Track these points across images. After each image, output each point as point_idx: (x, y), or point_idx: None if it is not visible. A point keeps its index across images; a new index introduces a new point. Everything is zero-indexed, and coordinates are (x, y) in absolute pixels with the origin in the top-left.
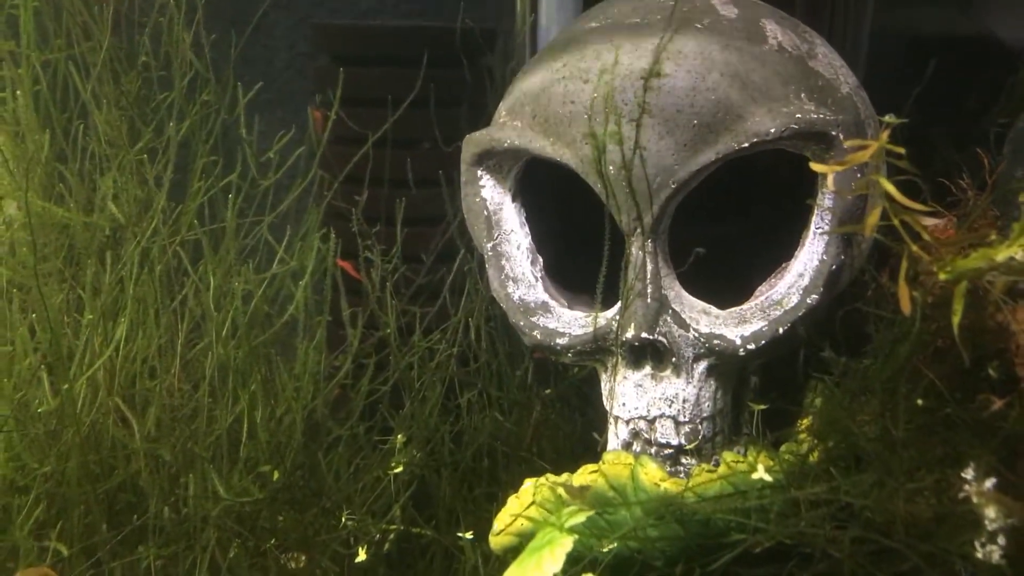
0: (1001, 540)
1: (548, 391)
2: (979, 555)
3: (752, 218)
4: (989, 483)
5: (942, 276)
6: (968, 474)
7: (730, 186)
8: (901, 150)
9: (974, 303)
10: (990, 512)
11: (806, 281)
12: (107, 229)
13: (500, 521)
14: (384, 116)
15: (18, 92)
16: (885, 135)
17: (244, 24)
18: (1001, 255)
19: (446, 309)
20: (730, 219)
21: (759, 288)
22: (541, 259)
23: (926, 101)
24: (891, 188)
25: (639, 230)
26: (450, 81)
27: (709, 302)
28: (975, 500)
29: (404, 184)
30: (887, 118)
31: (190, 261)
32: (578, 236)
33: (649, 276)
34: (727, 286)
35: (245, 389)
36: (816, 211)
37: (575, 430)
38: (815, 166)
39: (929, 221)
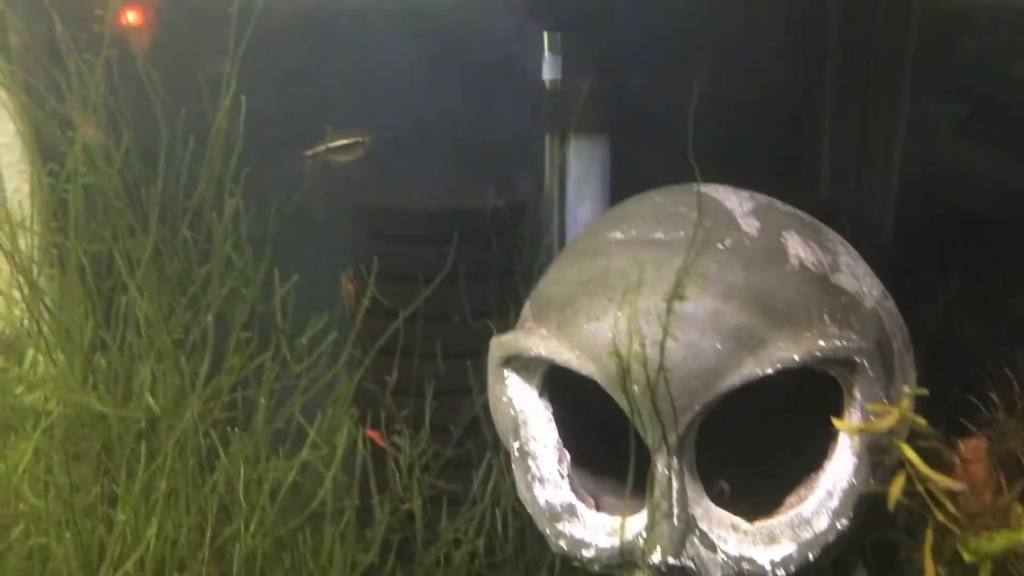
0: None
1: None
2: None
3: (779, 407)
4: None
5: (967, 558)
6: None
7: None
8: (923, 422)
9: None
10: None
11: (835, 503)
12: (143, 421)
13: None
14: (416, 291)
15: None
16: (906, 402)
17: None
18: None
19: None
20: (757, 407)
21: (788, 499)
22: (568, 455)
23: (956, 279)
24: (913, 457)
25: (664, 448)
26: (480, 257)
27: (736, 496)
28: None
29: (434, 356)
30: (906, 389)
31: (222, 440)
32: (605, 422)
33: (675, 495)
34: (756, 477)
35: None
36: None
37: None
38: (837, 423)
39: (956, 486)
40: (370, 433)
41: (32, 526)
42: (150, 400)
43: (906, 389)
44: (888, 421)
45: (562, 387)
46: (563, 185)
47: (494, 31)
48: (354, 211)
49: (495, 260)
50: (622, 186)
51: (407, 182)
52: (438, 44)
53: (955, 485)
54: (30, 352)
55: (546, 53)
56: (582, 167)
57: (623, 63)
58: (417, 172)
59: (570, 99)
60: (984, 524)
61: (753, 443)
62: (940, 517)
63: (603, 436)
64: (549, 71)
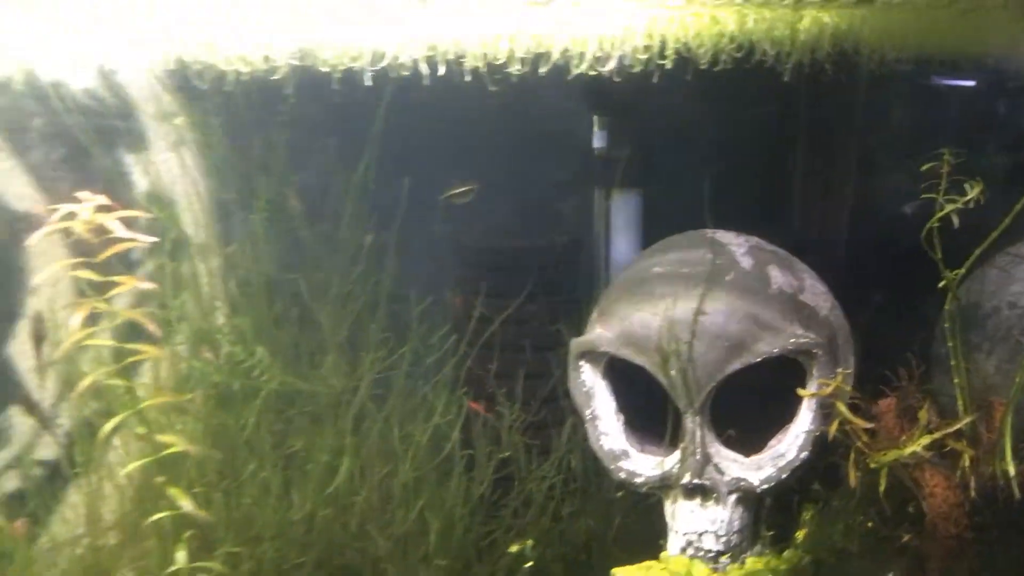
0: None
1: (620, 493)
2: None
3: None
4: None
5: (871, 465)
6: None
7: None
8: (849, 389)
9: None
10: None
11: (800, 441)
12: (323, 399)
13: None
14: (507, 304)
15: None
16: (841, 378)
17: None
18: (907, 451)
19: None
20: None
21: (770, 442)
22: (622, 417)
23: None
24: (844, 409)
25: (691, 410)
26: (551, 279)
27: (736, 441)
28: None
29: (521, 349)
30: (842, 370)
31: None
32: (645, 391)
33: (698, 440)
34: (748, 429)
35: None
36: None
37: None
38: (801, 392)
39: (868, 425)
40: (472, 405)
41: (258, 468)
42: (334, 380)
43: (840, 370)
44: (829, 390)
45: (616, 373)
46: (608, 227)
47: (558, 114)
48: (461, 247)
49: (565, 281)
50: (652, 226)
51: (498, 225)
52: (517, 123)
53: (868, 425)
54: (259, 349)
55: (596, 129)
56: (622, 213)
57: (653, 138)
58: (501, 217)
59: (613, 163)
60: (886, 448)
61: (746, 407)
62: (859, 444)
63: (640, 406)
64: (598, 142)
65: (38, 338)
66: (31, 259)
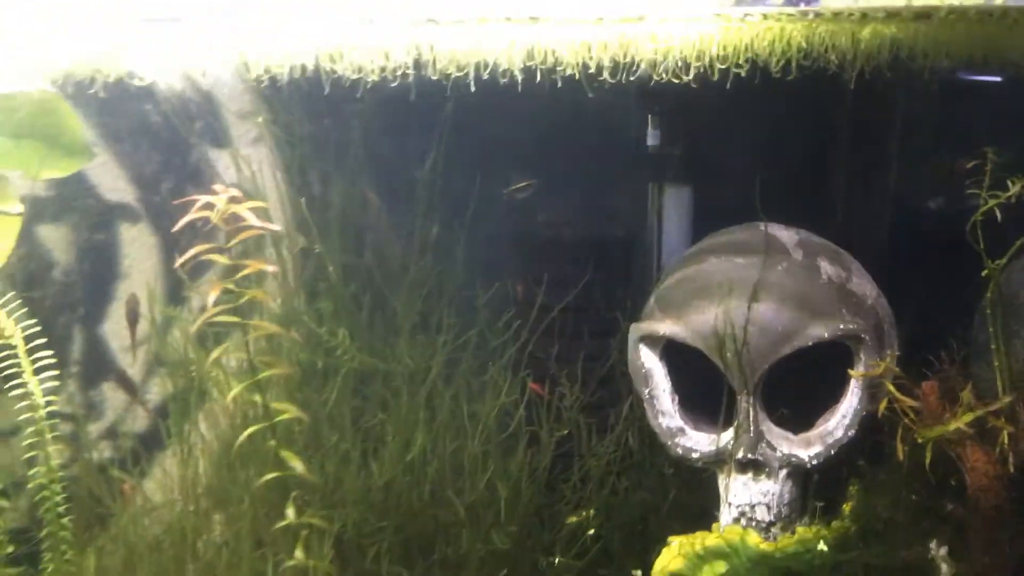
0: None
1: (671, 470)
2: None
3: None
4: (943, 550)
5: (919, 440)
6: (933, 544)
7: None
8: (898, 370)
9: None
10: (944, 567)
11: (847, 420)
12: (404, 374)
13: (658, 564)
14: (568, 291)
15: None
16: (890, 359)
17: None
18: (951, 427)
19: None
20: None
21: (819, 420)
22: (677, 396)
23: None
24: (892, 390)
25: (745, 390)
26: (609, 268)
27: (787, 419)
28: (937, 560)
29: (580, 336)
30: (889, 353)
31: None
32: (698, 374)
33: (751, 419)
34: (798, 409)
35: (483, 475)
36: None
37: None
38: (851, 372)
39: (915, 404)
40: (533, 386)
41: (339, 439)
42: (408, 360)
43: (889, 352)
44: (879, 370)
45: (671, 356)
46: (660, 220)
47: (614, 113)
48: (524, 238)
49: (620, 271)
50: (702, 220)
51: (559, 218)
52: (576, 122)
53: (914, 403)
54: (341, 331)
55: (650, 128)
56: (674, 207)
57: (704, 136)
58: (563, 211)
59: (666, 160)
60: (931, 426)
61: (797, 388)
62: (906, 422)
63: (695, 388)
64: (652, 140)
65: (133, 318)
66: (122, 247)
